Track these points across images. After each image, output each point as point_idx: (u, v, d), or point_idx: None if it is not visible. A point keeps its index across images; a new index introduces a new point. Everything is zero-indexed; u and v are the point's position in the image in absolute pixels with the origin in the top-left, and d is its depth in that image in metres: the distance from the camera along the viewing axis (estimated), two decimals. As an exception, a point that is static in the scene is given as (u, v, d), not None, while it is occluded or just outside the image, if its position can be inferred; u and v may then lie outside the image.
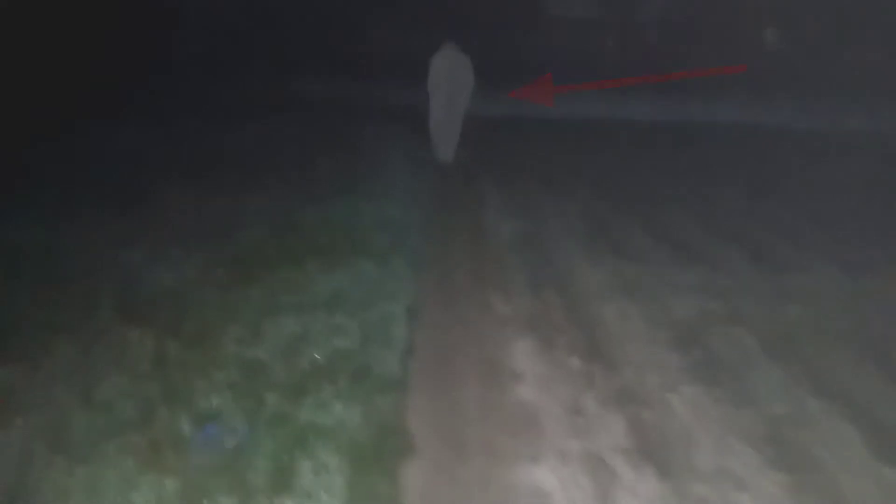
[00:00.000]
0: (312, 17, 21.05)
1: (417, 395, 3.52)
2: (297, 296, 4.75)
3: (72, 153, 9.79)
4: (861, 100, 14.63)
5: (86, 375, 3.62)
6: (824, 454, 3.13)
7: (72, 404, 3.35)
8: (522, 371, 3.83)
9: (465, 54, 9.05)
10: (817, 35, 19.45)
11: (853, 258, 6.04)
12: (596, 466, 2.99)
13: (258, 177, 8.41)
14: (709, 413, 3.45)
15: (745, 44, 20.19)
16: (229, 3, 20.34)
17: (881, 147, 11.86)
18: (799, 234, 6.82)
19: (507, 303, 4.85)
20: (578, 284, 5.27)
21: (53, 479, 2.81)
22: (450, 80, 8.98)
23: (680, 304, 4.86)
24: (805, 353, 4.17)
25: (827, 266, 5.81)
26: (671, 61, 19.03)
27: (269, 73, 18.52)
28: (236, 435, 3.10)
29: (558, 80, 16.17)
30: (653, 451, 3.12)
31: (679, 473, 2.95)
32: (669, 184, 8.99)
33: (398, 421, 3.25)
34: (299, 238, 6.03)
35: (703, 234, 6.73)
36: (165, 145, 10.66)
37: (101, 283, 4.90)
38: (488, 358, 3.99)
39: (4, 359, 3.74)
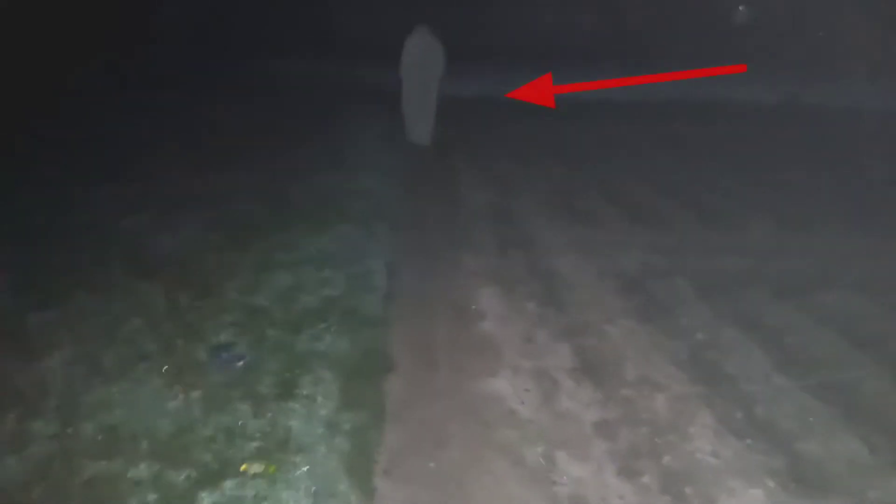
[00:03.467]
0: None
1: (396, 329, 4.16)
2: (288, 255, 5.34)
3: (63, 122, 10.32)
4: (819, 75, 15.33)
5: (108, 318, 4.21)
6: (733, 369, 3.80)
7: (99, 340, 3.94)
8: (485, 311, 4.47)
9: (437, 37, 9.42)
10: (783, 11, 20.00)
11: (789, 216, 6.73)
12: (542, 379, 3.65)
13: (244, 151, 8.95)
14: (640, 340, 4.12)
15: (719, 19, 20.67)
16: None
17: (837, 120, 12.58)
18: (744, 198, 7.49)
19: (475, 259, 5.47)
20: (540, 244, 5.89)
21: (95, 394, 3.40)
22: (422, 62, 9.35)
23: (627, 259, 5.51)
24: (732, 295, 4.85)
25: (765, 224, 6.51)
26: (656, 39, 19.53)
27: (247, 53, 18.87)
28: (245, 359, 3.70)
29: (540, 62, 16.60)
30: (590, 368, 3.78)
31: (610, 383, 3.62)
32: (631, 157, 9.62)
33: (380, 347, 3.89)
34: (287, 207, 6.60)
35: (658, 200, 7.37)
36: (151, 119, 11.17)
37: (110, 245, 5.47)
38: (457, 302, 4.63)
39: (37, 305, 4.31)
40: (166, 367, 3.62)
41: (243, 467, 2.85)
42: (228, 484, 2.76)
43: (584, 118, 12.67)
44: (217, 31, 19.40)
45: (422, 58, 9.28)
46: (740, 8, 18.76)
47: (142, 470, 2.84)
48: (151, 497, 2.69)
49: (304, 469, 2.85)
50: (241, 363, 3.66)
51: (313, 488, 2.75)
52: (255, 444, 3.02)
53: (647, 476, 2.94)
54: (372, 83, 14.83)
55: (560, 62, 17.60)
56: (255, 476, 2.80)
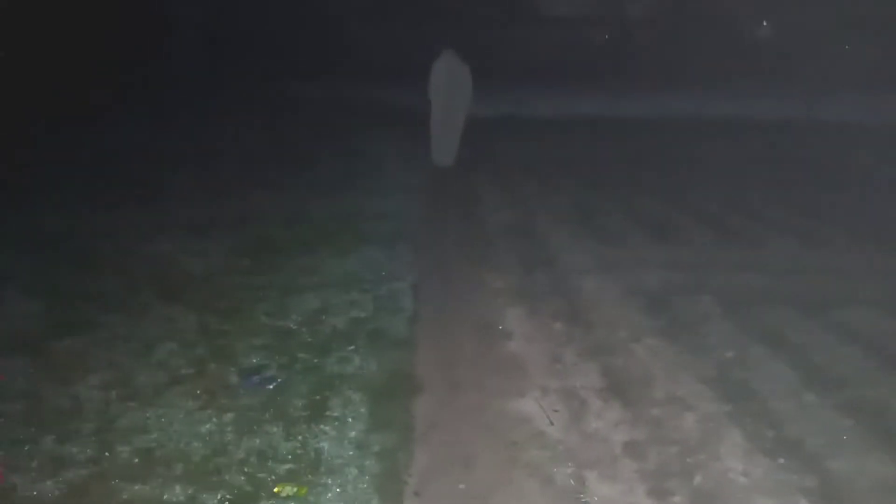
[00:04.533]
0: (307, 19, 21.61)
1: (423, 350, 4.19)
2: (314, 277, 5.42)
3: (85, 148, 10.55)
4: (835, 92, 15.32)
5: (140, 342, 4.28)
6: (761, 386, 3.79)
7: (133, 364, 4.01)
8: (512, 331, 4.50)
9: (464, 62, 9.49)
10: (800, 32, 20.04)
11: (811, 234, 6.72)
12: (571, 399, 3.66)
13: (265, 173, 9.13)
14: (668, 359, 4.11)
15: (732, 38, 20.75)
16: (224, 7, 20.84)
17: (853, 137, 12.55)
18: (764, 215, 7.50)
19: (499, 279, 5.50)
20: (563, 263, 5.91)
21: (130, 418, 3.46)
22: (449, 86, 9.42)
23: (651, 277, 5.51)
24: (756, 312, 4.83)
25: (786, 241, 6.49)
26: (661, 57, 19.69)
27: (267, 74, 19.17)
28: (276, 381, 3.75)
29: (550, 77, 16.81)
30: (618, 387, 3.79)
31: (638, 402, 3.62)
32: (651, 174, 9.65)
33: (408, 369, 3.93)
34: (311, 229, 6.70)
35: (678, 217, 7.38)
36: (173, 141, 11.42)
37: (138, 269, 5.57)
38: (483, 322, 4.66)
39: (68, 330, 4.39)
40: (199, 390, 3.67)
41: (276, 489, 2.89)
42: (262, 506, 2.79)
43: (602, 135, 12.76)
44: (237, 53, 19.74)
45: (449, 81, 9.35)
46: (764, 24, 18.83)
47: (177, 493, 2.88)
48: (188, 520, 2.73)
49: (336, 491, 2.88)
50: (271, 386, 3.71)
51: (346, 510, 2.78)
52: (286, 467, 3.05)
53: (678, 496, 2.94)
54: (392, 103, 15.06)
55: (572, 79, 17.77)
56: (287, 498, 2.84)
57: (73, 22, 14.50)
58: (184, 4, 19.58)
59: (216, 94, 16.66)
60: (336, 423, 3.36)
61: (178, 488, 2.91)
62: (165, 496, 2.87)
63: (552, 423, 3.41)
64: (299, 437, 3.25)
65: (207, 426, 3.36)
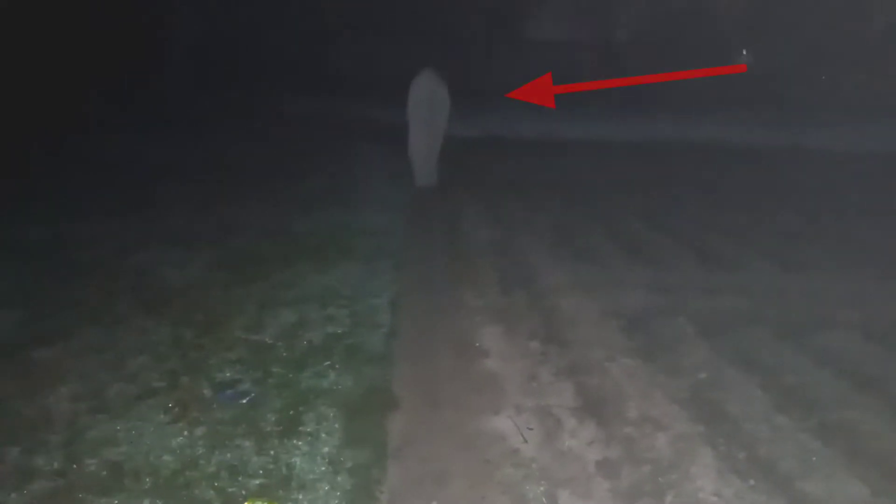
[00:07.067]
0: (295, 37, 21.73)
1: (400, 366, 4.18)
2: (292, 292, 5.40)
3: (73, 158, 10.53)
4: (821, 119, 15.56)
5: (114, 354, 4.25)
6: (734, 408, 3.81)
7: (105, 376, 3.97)
8: (488, 349, 4.50)
9: (443, 79, 9.55)
10: (782, 58, 20.33)
11: (789, 258, 6.78)
12: (546, 417, 3.66)
13: (249, 187, 9.12)
14: (642, 379, 4.13)
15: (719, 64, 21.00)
16: (215, 23, 20.95)
17: (838, 163, 12.74)
18: (745, 239, 7.56)
19: (478, 297, 5.51)
20: (542, 282, 5.93)
21: (100, 430, 3.42)
22: (428, 104, 9.47)
23: (629, 298, 5.54)
24: (732, 335, 4.86)
25: (764, 264, 6.55)
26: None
27: (254, 90, 19.23)
28: (249, 396, 3.73)
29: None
30: (592, 406, 3.79)
31: (612, 421, 3.63)
32: (633, 197, 9.71)
33: (383, 384, 3.92)
34: (292, 243, 6.69)
35: (659, 240, 7.43)
36: (161, 153, 11.42)
37: (117, 280, 5.54)
38: (460, 339, 4.66)
39: (43, 340, 4.35)
40: (171, 403, 3.64)
41: (246, 504, 2.86)
42: (231, 521, 2.76)
43: (585, 157, 12.85)
44: (225, 68, 19.79)
45: (428, 100, 9.39)
46: (744, 52, 19.12)
47: (145, 507, 2.85)
48: (154, 534, 2.70)
49: (307, 507, 2.87)
50: (245, 400, 3.69)
51: (316, 526, 2.75)
52: (257, 482, 3.03)
53: (650, 516, 2.95)
54: (377, 121, 15.11)
55: (562, 100, 17.95)
56: (257, 513, 2.81)
57: (71, 31, 14.50)
58: (179, 20, 19.67)
59: (208, 107, 16.70)
60: (309, 438, 3.34)
61: (146, 502, 2.88)
62: (133, 510, 2.84)
63: (526, 441, 3.41)
64: (271, 452, 3.23)
65: (178, 439, 3.33)
